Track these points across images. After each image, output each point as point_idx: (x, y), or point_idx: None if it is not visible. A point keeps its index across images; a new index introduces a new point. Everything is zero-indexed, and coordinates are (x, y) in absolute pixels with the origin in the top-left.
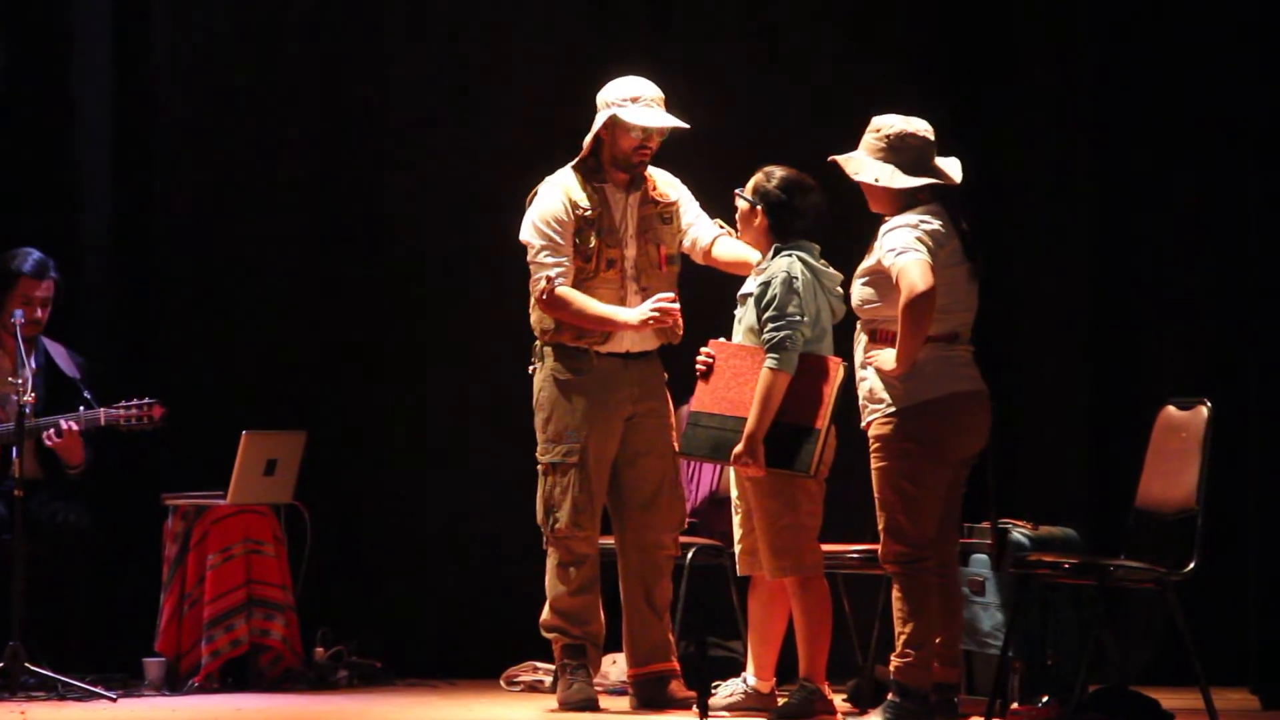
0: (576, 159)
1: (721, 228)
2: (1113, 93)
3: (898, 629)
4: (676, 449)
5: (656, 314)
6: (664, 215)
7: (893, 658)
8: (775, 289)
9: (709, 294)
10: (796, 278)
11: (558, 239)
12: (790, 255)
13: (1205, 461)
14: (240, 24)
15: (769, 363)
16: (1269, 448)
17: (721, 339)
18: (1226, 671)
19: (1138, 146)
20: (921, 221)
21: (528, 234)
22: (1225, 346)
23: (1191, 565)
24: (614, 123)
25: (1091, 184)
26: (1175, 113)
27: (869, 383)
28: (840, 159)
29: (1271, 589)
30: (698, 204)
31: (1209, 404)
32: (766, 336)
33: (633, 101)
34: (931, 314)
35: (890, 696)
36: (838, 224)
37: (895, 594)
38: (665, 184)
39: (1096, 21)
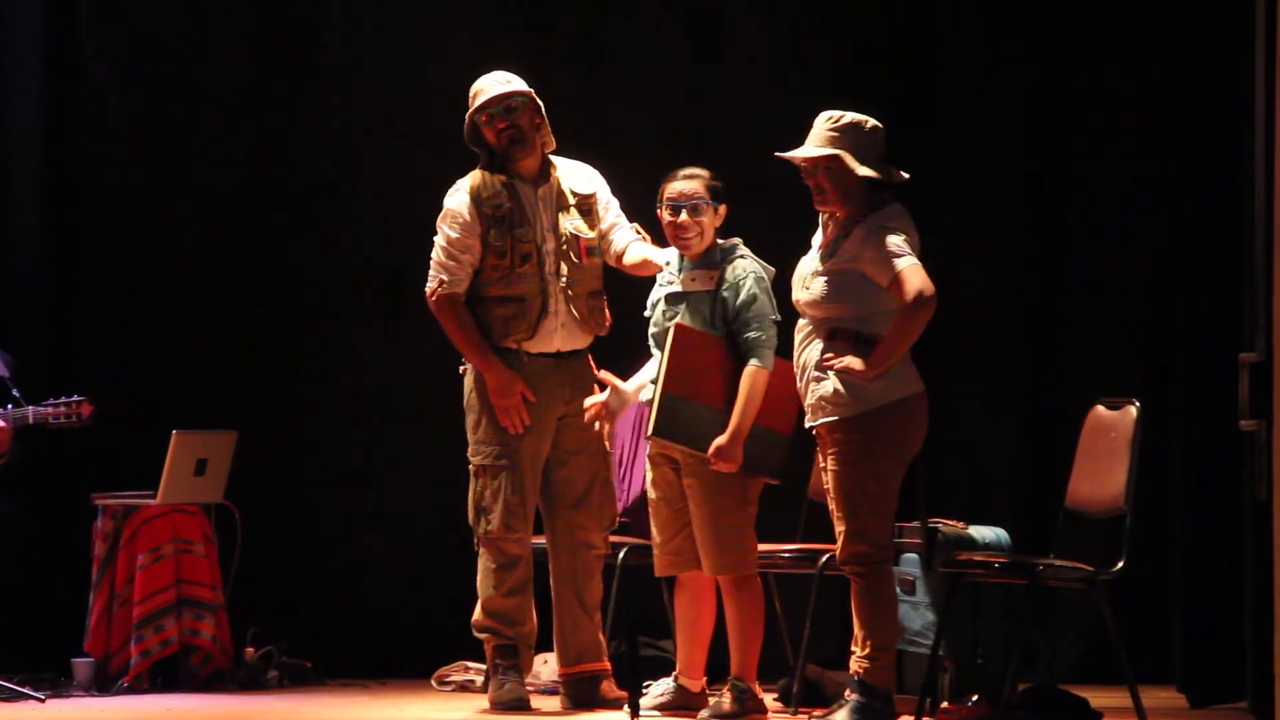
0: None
1: (638, 233)
2: (1044, 94)
3: (862, 632)
4: (607, 449)
5: (508, 409)
6: (583, 207)
7: (856, 659)
8: (752, 290)
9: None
10: (763, 277)
11: (459, 244)
12: (746, 256)
13: (1134, 461)
14: (175, 19)
15: (757, 362)
16: (1196, 448)
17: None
18: (1155, 670)
19: (1069, 146)
20: (903, 225)
21: (436, 236)
22: (1154, 347)
23: (1120, 564)
24: (473, 125)
25: (1022, 184)
26: (1108, 114)
27: (830, 384)
28: (830, 152)
29: (1198, 588)
30: (617, 203)
31: (1138, 404)
32: (751, 337)
33: (474, 100)
34: (929, 319)
35: (854, 696)
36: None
37: (858, 596)
38: (578, 176)
39: (1029, 20)
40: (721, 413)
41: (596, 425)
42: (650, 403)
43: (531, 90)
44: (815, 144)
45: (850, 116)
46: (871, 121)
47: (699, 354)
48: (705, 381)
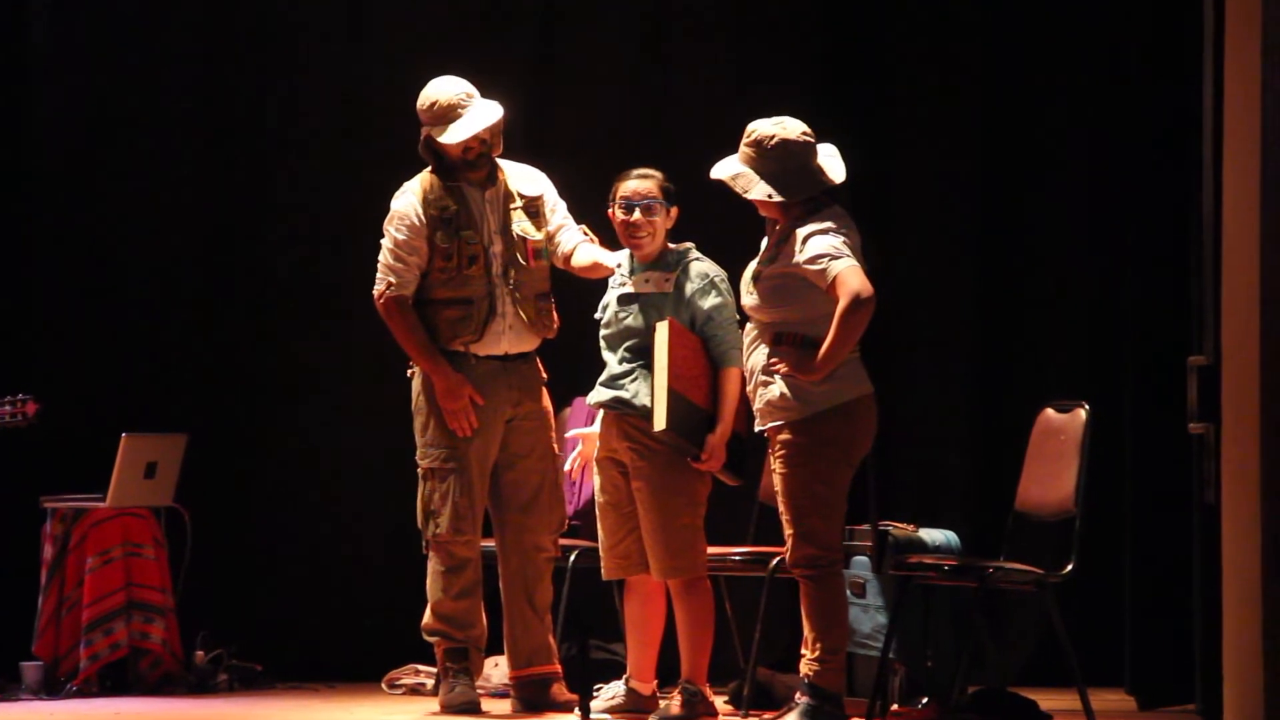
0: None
1: (586, 235)
2: (996, 92)
3: (813, 635)
4: (557, 451)
5: (456, 412)
6: (530, 209)
7: (806, 661)
8: (724, 294)
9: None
10: (725, 278)
11: (407, 246)
12: (701, 259)
13: (1083, 464)
14: (121, 21)
15: (734, 365)
16: (1145, 451)
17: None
18: (1104, 672)
19: (1020, 148)
20: (842, 228)
21: (383, 239)
22: (1103, 350)
23: (1070, 567)
24: (432, 141)
25: (974, 185)
26: (1059, 118)
27: (776, 388)
28: (725, 178)
29: (1147, 590)
30: (564, 205)
31: (1087, 407)
32: (725, 340)
33: (442, 118)
34: (869, 320)
35: (804, 699)
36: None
37: (808, 600)
38: (524, 178)
39: (982, 19)
40: (704, 411)
41: (581, 470)
42: (650, 396)
43: (503, 113)
44: (740, 164)
45: (758, 132)
46: (778, 136)
47: (686, 352)
48: (691, 379)
